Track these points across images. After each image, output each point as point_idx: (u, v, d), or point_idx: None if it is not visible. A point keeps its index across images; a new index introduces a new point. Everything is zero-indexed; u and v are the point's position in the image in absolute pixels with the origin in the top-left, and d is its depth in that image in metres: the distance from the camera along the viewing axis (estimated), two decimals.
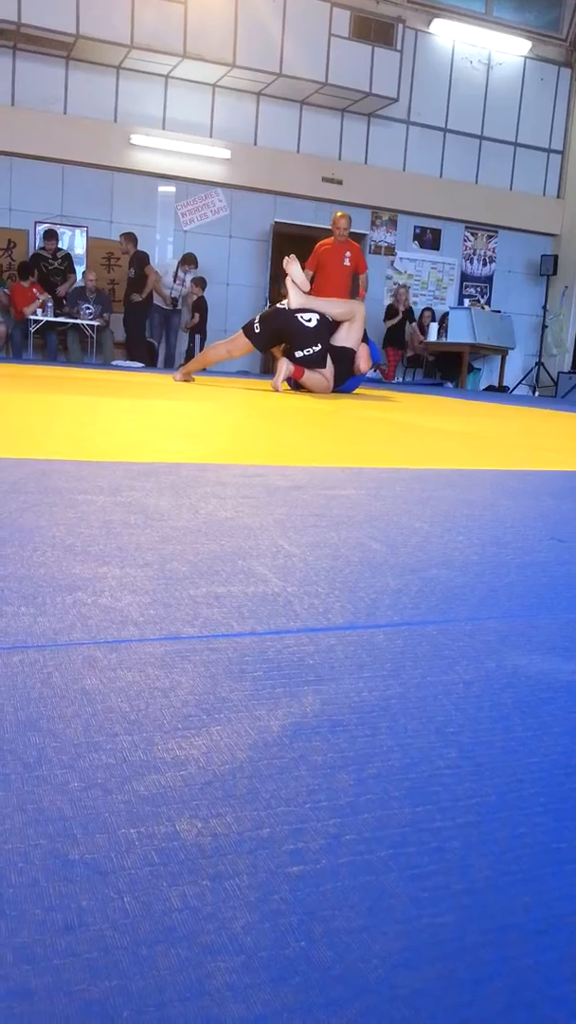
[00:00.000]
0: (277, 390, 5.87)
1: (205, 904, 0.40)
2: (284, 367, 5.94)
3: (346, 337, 6.26)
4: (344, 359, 6.27)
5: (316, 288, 7.99)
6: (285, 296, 6.30)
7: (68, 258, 10.41)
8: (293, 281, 6.12)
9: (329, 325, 6.20)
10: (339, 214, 8.36)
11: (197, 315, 10.76)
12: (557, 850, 0.47)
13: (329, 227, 9.07)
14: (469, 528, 1.37)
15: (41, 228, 10.67)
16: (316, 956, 0.37)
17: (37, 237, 10.65)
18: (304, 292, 6.18)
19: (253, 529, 1.22)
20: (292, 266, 6.15)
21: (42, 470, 1.59)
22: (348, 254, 8.22)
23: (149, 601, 0.84)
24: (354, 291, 8.45)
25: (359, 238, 12.22)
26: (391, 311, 11.81)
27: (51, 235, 10.33)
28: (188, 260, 10.49)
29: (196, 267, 10.54)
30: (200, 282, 10.71)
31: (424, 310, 12.07)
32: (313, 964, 0.36)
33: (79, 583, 0.88)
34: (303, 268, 8.01)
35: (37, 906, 0.39)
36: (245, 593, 0.90)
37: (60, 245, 10.49)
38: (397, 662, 0.74)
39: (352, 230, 12.02)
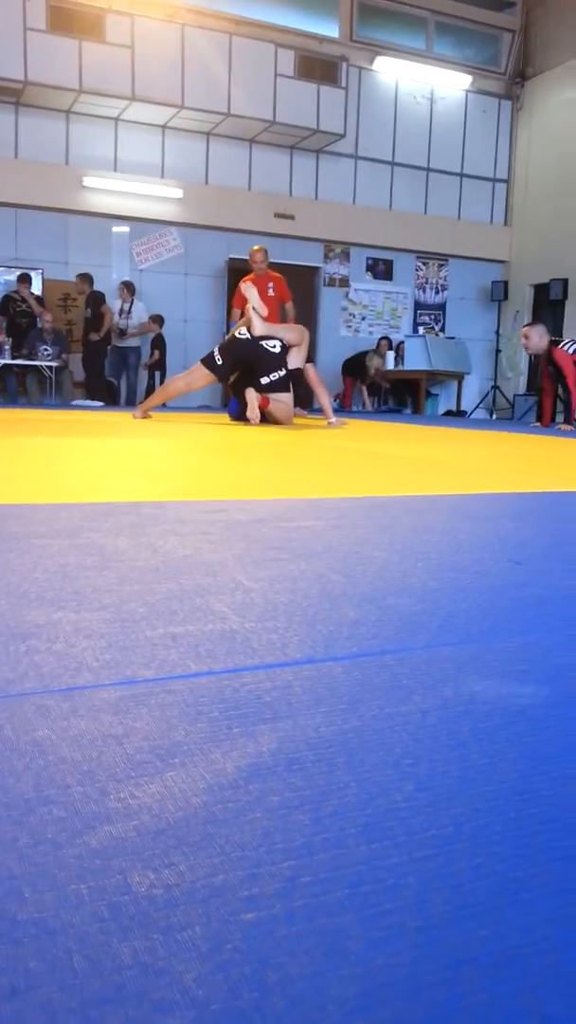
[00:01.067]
0: (256, 421, 5.91)
1: (156, 959, 0.39)
2: (254, 397, 5.98)
3: (296, 360, 6.39)
4: (297, 381, 6.39)
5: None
6: (241, 323, 6.35)
7: (40, 301, 10.42)
8: (254, 308, 6.19)
9: (287, 350, 6.27)
10: (255, 248, 8.47)
11: (156, 352, 10.80)
12: (514, 879, 0.46)
13: (285, 262, 9.19)
14: (428, 554, 1.38)
15: None
16: (269, 1006, 0.36)
17: None
18: (262, 316, 6.23)
19: (212, 565, 1.22)
20: (251, 292, 6.22)
21: None
22: (271, 285, 8.32)
23: (105, 645, 0.83)
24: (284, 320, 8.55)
25: (313, 271, 12.39)
26: (348, 364, 12.00)
27: (23, 278, 10.35)
28: (127, 288, 10.55)
29: (134, 295, 10.58)
30: (157, 319, 10.77)
31: (381, 339, 12.25)
32: (266, 1015, 0.36)
33: (33, 630, 0.87)
34: (231, 307, 8.13)
35: None
36: (203, 632, 0.89)
37: (32, 289, 10.51)
38: (354, 695, 0.73)
39: (306, 263, 12.21)
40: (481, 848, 0.50)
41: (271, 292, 8.28)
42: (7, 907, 0.42)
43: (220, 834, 0.50)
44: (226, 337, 6.52)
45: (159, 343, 10.80)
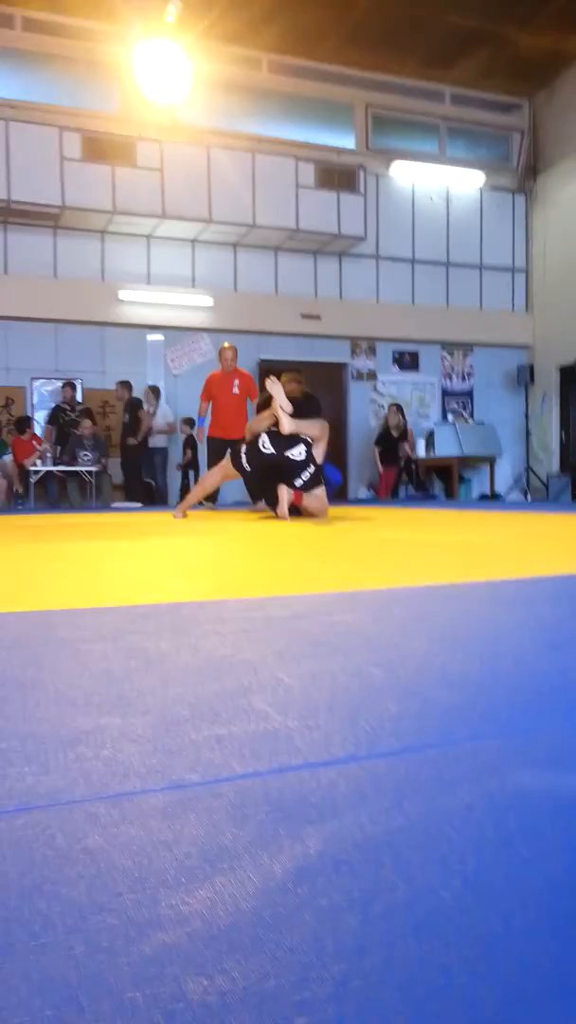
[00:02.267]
0: (285, 518, 5.96)
1: None
2: (285, 494, 6.05)
3: (318, 454, 6.45)
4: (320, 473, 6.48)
5: (212, 415, 8.34)
6: (264, 421, 6.43)
7: (87, 411, 10.86)
8: (281, 408, 6.25)
9: (311, 447, 6.33)
10: (225, 345, 8.71)
11: (188, 452, 11.07)
12: (565, 976, 0.46)
13: (313, 360, 9.43)
14: (467, 643, 1.38)
15: (37, 383, 11.13)
16: None
17: (34, 393, 11.10)
18: (290, 415, 6.29)
19: (253, 663, 1.23)
20: (276, 388, 6.30)
21: (44, 621, 1.62)
22: (236, 382, 8.53)
23: (151, 749, 0.85)
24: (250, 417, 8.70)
25: (341, 367, 12.71)
26: (384, 435, 12.14)
27: (69, 385, 10.84)
28: (152, 392, 10.93)
29: (159, 398, 10.93)
30: (189, 421, 11.08)
31: (390, 405, 12.45)
32: None
33: (81, 736, 0.89)
34: (259, 406, 8.32)
35: None
36: (246, 732, 0.91)
37: (77, 397, 10.97)
38: (399, 792, 0.74)
39: (333, 360, 12.55)
40: (532, 945, 0.50)
41: (235, 390, 8.49)
42: (66, 1016, 0.43)
43: (270, 938, 0.51)
44: (247, 438, 6.59)
45: (191, 443, 11.08)
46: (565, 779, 0.77)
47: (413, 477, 12.40)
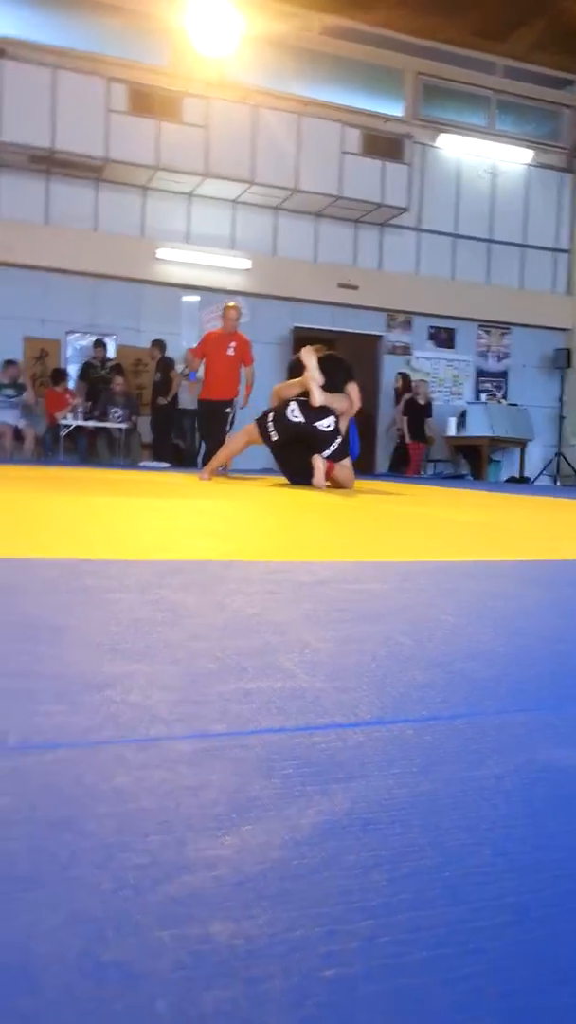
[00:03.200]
0: (322, 487, 5.95)
1: (238, 1008, 0.39)
2: (320, 465, 6.03)
3: (343, 426, 6.42)
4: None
5: (205, 376, 8.20)
6: (294, 388, 6.37)
7: (118, 366, 10.85)
8: (313, 378, 6.19)
9: (339, 420, 6.29)
10: (231, 304, 8.52)
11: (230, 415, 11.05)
12: None
13: (348, 330, 9.28)
14: (495, 619, 1.37)
15: (71, 337, 11.14)
16: None
17: (68, 347, 11.11)
18: (319, 385, 6.22)
19: (279, 625, 1.23)
20: (311, 360, 6.23)
21: (73, 569, 1.62)
22: (233, 344, 8.37)
23: (178, 698, 0.85)
24: (242, 382, 8.57)
25: (375, 340, 12.58)
26: (412, 404, 12.02)
27: (99, 344, 10.83)
28: (155, 345, 10.82)
29: (162, 351, 10.80)
30: None
31: (398, 374, 12.34)
32: None
33: (109, 681, 0.89)
34: (194, 356, 8.18)
35: (72, 1009, 0.38)
36: (273, 689, 0.90)
37: (109, 354, 10.98)
38: (427, 758, 0.73)
39: (368, 331, 12.42)
40: (564, 917, 0.49)
41: (231, 351, 8.34)
42: (93, 948, 0.43)
43: (298, 890, 0.50)
44: (274, 403, 6.52)
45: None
46: None
47: (427, 454, 12.33)
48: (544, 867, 0.55)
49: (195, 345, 8.70)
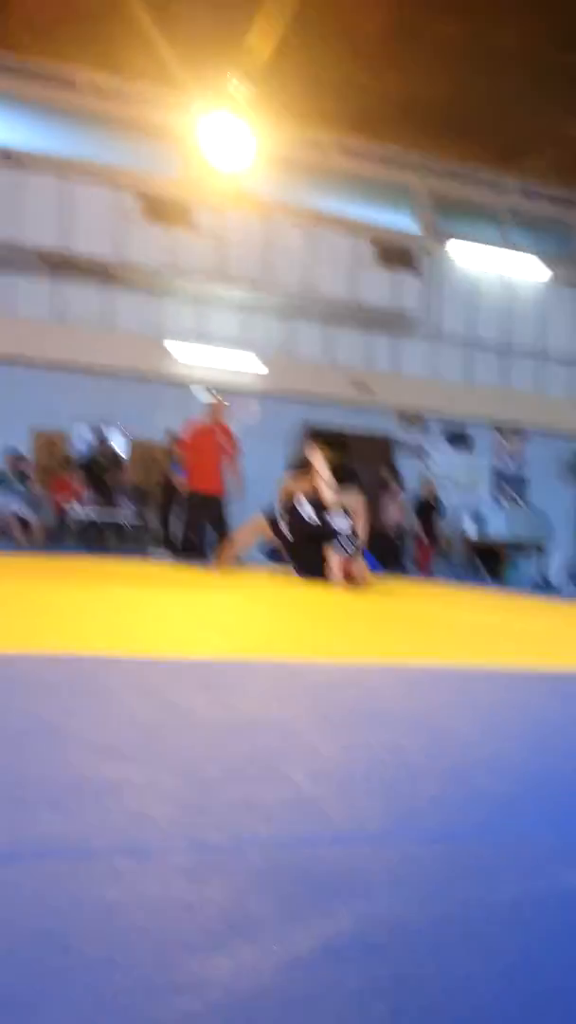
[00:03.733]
0: (340, 582, 5.93)
1: None
2: (336, 561, 6.02)
3: (359, 528, 6.42)
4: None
5: (193, 468, 8.25)
6: (302, 485, 6.41)
7: (115, 454, 11.21)
8: (323, 479, 6.26)
9: (353, 520, 6.30)
10: (218, 398, 8.68)
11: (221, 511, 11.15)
12: None
13: (358, 428, 9.28)
14: (516, 733, 1.33)
15: (78, 428, 11.62)
16: None
17: (77, 440, 11.56)
18: (330, 486, 6.25)
19: (286, 729, 1.20)
20: (317, 458, 6.31)
21: (78, 668, 1.60)
22: (223, 438, 8.49)
23: (177, 807, 0.82)
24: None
25: (389, 440, 12.77)
26: (423, 506, 12.08)
27: (101, 434, 11.19)
28: (99, 436, 11.14)
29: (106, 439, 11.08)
30: None
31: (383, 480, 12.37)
32: None
33: (107, 787, 0.86)
34: (180, 448, 8.19)
35: None
36: (276, 798, 0.87)
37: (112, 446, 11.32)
38: (438, 877, 0.69)
39: (383, 433, 12.62)
40: None
41: (223, 444, 8.45)
42: None
43: (292, 1019, 0.47)
44: (283, 503, 6.55)
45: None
46: None
47: (444, 555, 12.27)
48: (561, 1004, 0.51)
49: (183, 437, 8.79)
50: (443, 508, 12.14)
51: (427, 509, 12.02)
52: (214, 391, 9.31)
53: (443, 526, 12.06)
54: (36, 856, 0.67)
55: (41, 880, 0.63)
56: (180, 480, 8.44)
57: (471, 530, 12.15)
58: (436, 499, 12.13)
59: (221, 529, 8.51)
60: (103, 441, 11.18)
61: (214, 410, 8.52)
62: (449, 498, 12.87)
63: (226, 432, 8.63)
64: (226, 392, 11.93)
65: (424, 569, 11.93)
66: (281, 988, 0.50)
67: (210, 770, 0.95)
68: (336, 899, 0.63)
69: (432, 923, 0.60)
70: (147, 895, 0.61)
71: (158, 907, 0.59)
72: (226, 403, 8.91)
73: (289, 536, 6.30)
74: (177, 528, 9.42)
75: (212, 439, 8.39)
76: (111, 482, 10.84)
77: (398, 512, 11.02)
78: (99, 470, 10.93)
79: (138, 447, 11.68)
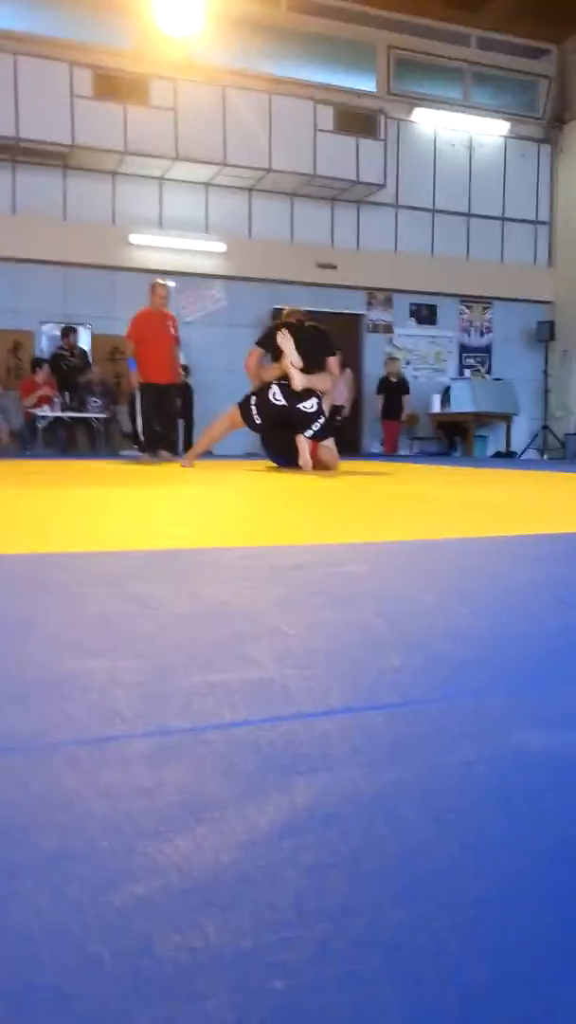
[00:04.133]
0: (308, 468, 5.92)
1: None
2: (305, 444, 5.99)
3: (327, 406, 6.40)
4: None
5: (145, 358, 8.00)
6: (274, 371, 6.31)
7: (84, 354, 10.75)
8: (292, 363, 6.13)
9: (322, 400, 6.25)
10: (160, 282, 8.33)
11: (179, 401, 10.90)
12: (564, 946, 0.43)
13: (328, 310, 9.13)
14: (476, 598, 1.35)
15: (46, 328, 11.02)
16: None
17: (42, 337, 10.99)
18: (300, 369, 6.14)
19: (252, 612, 1.20)
20: (287, 344, 6.15)
21: (41, 564, 1.59)
22: (171, 323, 8.23)
23: (139, 694, 0.82)
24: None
25: (356, 319, 12.52)
26: (383, 383, 11.98)
27: (68, 331, 10.70)
28: (65, 333, 10.72)
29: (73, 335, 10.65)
30: (184, 368, 10.95)
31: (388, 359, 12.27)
32: None
33: (68, 679, 0.86)
34: (126, 338, 8.02)
35: None
36: (240, 680, 0.87)
37: (79, 343, 10.87)
38: (396, 746, 0.70)
39: (349, 311, 12.35)
40: (529, 912, 0.46)
41: (172, 331, 8.20)
42: (24, 971, 0.40)
43: (250, 895, 0.48)
44: (255, 388, 6.45)
45: (184, 392, 10.94)
46: (571, 738, 0.73)
47: (411, 432, 12.28)
48: (512, 859, 0.52)
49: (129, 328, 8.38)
50: (407, 386, 12.05)
51: (391, 388, 11.93)
52: (161, 278, 8.92)
53: (409, 404, 12.01)
54: None
55: None
56: (133, 374, 8.16)
57: (437, 405, 12.12)
58: (401, 378, 12.03)
59: (177, 419, 8.33)
60: (68, 337, 10.76)
61: (157, 296, 8.16)
62: (416, 375, 12.76)
63: (173, 318, 8.35)
64: (189, 278, 11.52)
65: (390, 448, 11.96)
66: (239, 866, 0.50)
67: (174, 658, 0.95)
68: (296, 775, 0.64)
69: (388, 790, 0.61)
70: (105, 784, 0.61)
71: (116, 795, 0.60)
72: (169, 285, 8.55)
73: (258, 420, 6.24)
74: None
75: (159, 326, 8.09)
76: (80, 380, 10.53)
77: (348, 392, 10.83)
78: (68, 368, 10.58)
79: (103, 342, 11.29)
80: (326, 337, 6.56)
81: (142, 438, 8.31)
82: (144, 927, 0.44)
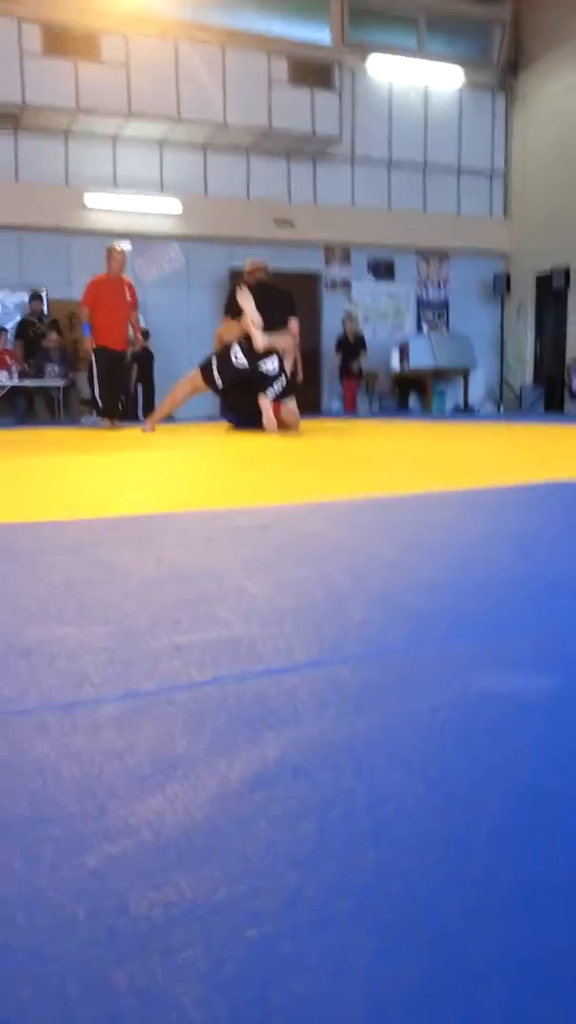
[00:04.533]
0: (273, 428, 5.89)
1: (153, 983, 0.37)
2: (268, 407, 5.96)
3: (288, 364, 6.36)
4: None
5: (100, 324, 7.84)
6: (234, 331, 6.26)
7: (54, 322, 10.50)
8: (252, 322, 6.08)
9: (283, 360, 6.21)
10: (116, 248, 8.14)
11: (135, 366, 10.74)
12: (527, 883, 0.44)
13: (286, 268, 8.95)
14: (436, 551, 1.36)
15: (1, 293, 10.75)
16: None
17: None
18: (259, 328, 6.10)
19: (217, 573, 1.20)
20: (248, 303, 6.09)
21: (4, 533, 1.57)
22: (127, 290, 8.10)
23: (107, 659, 0.82)
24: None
25: (315, 277, 12.39)
26: (341, 342, 11.90)
27: (36, 297, 10.42)
28: (32, 298, 10.53)
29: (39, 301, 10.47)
30: (144, 333, 10.78)
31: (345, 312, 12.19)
32: None
33: (35, 646, 0.86)
34: (83, 306, 7.90)
35: None
36: (207, 640, 0.88)
37: (22, 310, 10.58)
38: (362, 697, 0.71)
39: (307, 269, 12.21)
40: (494, 851, 0.48)
41: (128, 297, 8.05)
42: (0, 934, 0.41)
43: (222, 847, 0.48)
44: (216, 349, 6.41)
45: (144, 356, 10.79)
46: (531, 682, 0.75)
47: (370, 389, 12.26)
48: (477, 799, 0.53)
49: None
50: (364, 343, 11.98)
51: (349, 346, 11.85)
52: (118, 242, 8.69)
53: (367, 361, 11.95)
54: None
55: None
56: (87, 339, 7.95)
57: (396, 362, 12.10)
58: (358, 335, 11.95)
59: (131, 385, 8.14)
60: (36, 302, 10.45)
61: (114, 260, 7.94)
62: (374, 331, 12.70)
63: (130, 285, 8.16)
64: (146, 240, 11.27)
65: (349, 406, 11.93)
66: (211, 821, 0.51)
67: (141, 622, 0.95)
68: (265, 729, 0.64)
69: (356, 739, 0.62)
70: (76, 748, 0.62)
71: (87, 758, 0.60)
72: (126, 248, 8.34)
73: (219, 383, 6.19)
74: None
75: (114, 292, 7.90)
76: (44, 347, 10.27)
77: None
78: (35, 335, 10.28)
79: (59, 307, 11.03)
80: (288, 297, 6.50)
81: (100, 404, 8.16)
82: (118, 886, 0.45)
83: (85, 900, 0.44)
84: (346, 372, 11.86)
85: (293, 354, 6.35)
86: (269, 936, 0.40)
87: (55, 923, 0.42)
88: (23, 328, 10.38)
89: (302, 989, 0.37)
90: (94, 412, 8.73)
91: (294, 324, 6.37)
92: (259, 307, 6.08)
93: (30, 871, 0.46)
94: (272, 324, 6.10)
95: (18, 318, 10.67)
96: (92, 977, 0.38)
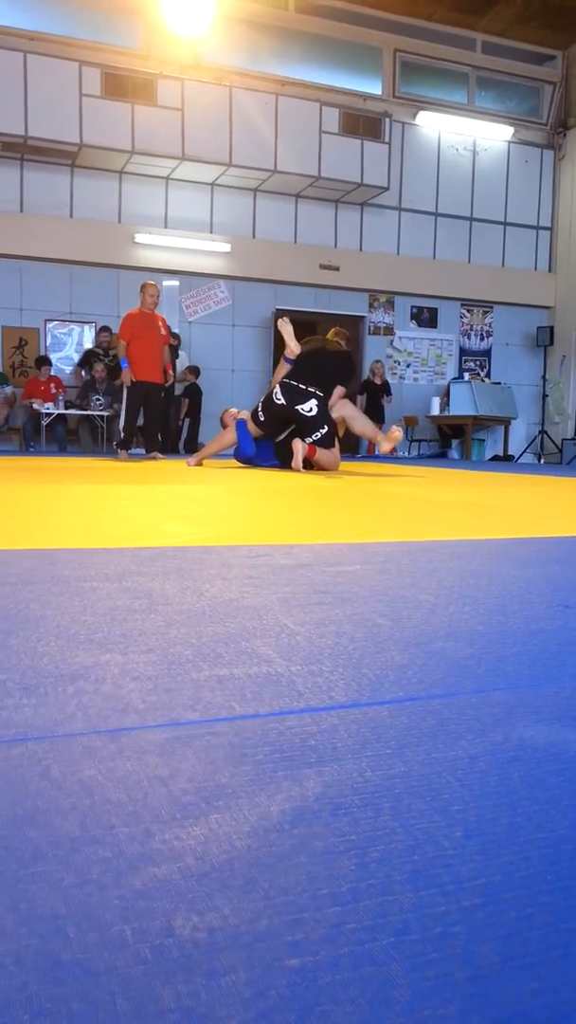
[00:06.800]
0: (299, 470, 5.96)
1: (199, 1003, 0.39)
2: (300, 448, 6.04)
3: (338, 411, 6.51)
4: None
5: (135, 357, 8.01)
6: (282, 371, 6.48)
7: (109, 348, 10.80)
8: (290, 350, 6.39)
9: (327, 404, 6.31)
10: (151, 283, 8.31)
11: (186, 400, 10.93)
12: (566, 930, 0.45)
13: (330, 312, 9.12)
14: (475, 598, 1.37)
15: (51, 326, 11.04)
16: None
17: (47, 335, 11.01)
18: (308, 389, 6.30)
19: (257, 609, 1.22)
20: (286, 328, 6.37)
21: (49, 560, 1.61)
22: (161, 323, 8.25)
23: (151, 687, 0.84)
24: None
25: (358, 321, 12.54)
26: (367, 384, 11.98)
27: (105, 330, 10.68)
28: (174, 338, 10.76)
29: (178, 345, 10.68)
30: (193, 370, 10.97)
31: (373, 363, 12.26)
32: None
33: (81, 672, 0.88)
34: (277, 359, 8.16)
35: (26, 1011, 0.37)
36: (248, 675, 0.89)
37: (70, 340, 10.83)
38: (401, 739, 0.72)
39: (351, 312, 12.37)
40: (532, 898, 0.48)
41: (163, 331, 8.22)
42: (51, 947, 0.42)
43: (264, 878, 0.49)
44: (270, 390, 6.62)
45: (193, 392, 10.98)
46: (569, 735, 0.75)
47: (411, 434, 12.31)
48: (515, 847, 0.54)
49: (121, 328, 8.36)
50: (389, 388, 12.06)
51: (374, 389, 11.93)
52: (154, 278, 8.92)
53: (403, 405, 11.99)
54: (12, 741, 0.69)
55: (17, 763, 0.64)
56: (125, 372, 8.15)
57: (437, 408, 12.15)
58: (384, 380, 12.03)
59: (164, 418, 8.33)
60: (104, 334, 10.72)
61: (148, 296, 8.16)
62: (416, 377, 12.79)
63: (163, 319, 8.37)
64: (193, 277, 11.53)
65: (371, 449, 11.94)
66: (253, 851, 0.52)
67: (183, 652, 0.97)
68: (305, 766, 0.66)
69: (395, 781, 0.63)
70: (122, 772, 0.63)
71: (132, 782, 0.62)
72: (171, 285, 8.60)
73: (261, 417, 6.34)
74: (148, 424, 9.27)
75: (149, 326, 8.10)
76: (91, 376, 10.53)
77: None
78: (106, 367, 10.51)
79: (106, 339, 11.30)
80: (347, 365, 6.73)
81: (122, 435, 8.33)
82: (164, 907, 0.46)
83: (132, 919, 0.45)
84: (369, 415, 11.94)
85: (357, 422, 6.62)
86: (310, 966, 0.41)
87: (104, 940, 0.43)
88: (87, 358, 10.65)
89: (343, 1018, 0.38)
90: (114, 443, 8.91)
91: (339, 392, 6.58)
92: (316, 367, 6.34)
93: (80, 889, 0.48)
94: (319, 385, 6.31)
95: (84, 348, 10.93)
96: (140, 993, 0.39)
